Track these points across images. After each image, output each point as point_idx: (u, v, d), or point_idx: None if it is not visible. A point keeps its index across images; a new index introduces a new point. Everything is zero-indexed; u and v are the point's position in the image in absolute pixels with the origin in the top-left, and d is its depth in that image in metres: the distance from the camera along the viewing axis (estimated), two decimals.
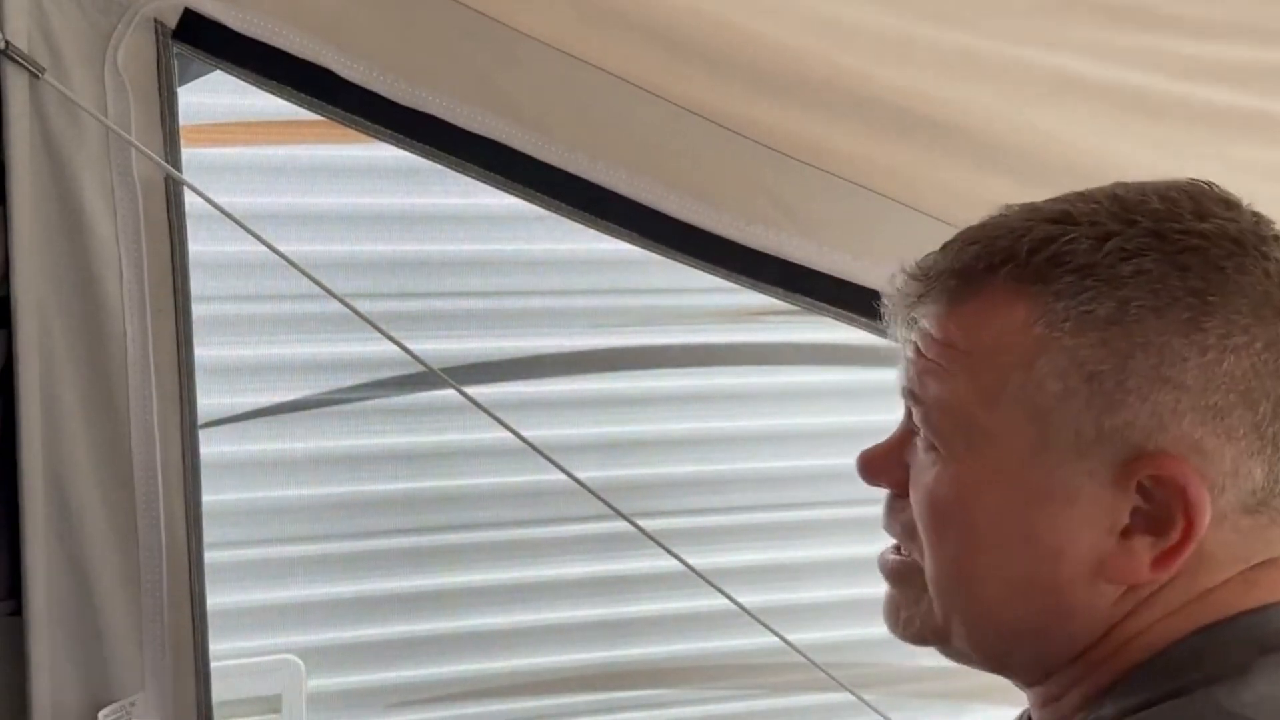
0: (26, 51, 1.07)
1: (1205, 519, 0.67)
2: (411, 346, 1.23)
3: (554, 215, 1.27)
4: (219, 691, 1.25)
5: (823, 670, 1.37)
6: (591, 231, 1.29)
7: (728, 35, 1.19)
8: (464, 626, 1.57)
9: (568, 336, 1.55)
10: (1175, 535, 0.68)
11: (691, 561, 1.32)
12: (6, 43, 1.05)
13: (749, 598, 1.35)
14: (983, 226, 0.75)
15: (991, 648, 0.75)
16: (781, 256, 1.30)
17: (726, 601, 1.33)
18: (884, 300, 0.79)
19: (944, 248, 0.76)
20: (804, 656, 1.36)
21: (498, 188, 1.25)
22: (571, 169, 1.23)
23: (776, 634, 1.36)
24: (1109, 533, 0.69)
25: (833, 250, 1.30)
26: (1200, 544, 0.68)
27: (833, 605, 1.67)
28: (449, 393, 1.29)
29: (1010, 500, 0.72)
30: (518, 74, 1.20)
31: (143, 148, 1.13)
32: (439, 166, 1.24)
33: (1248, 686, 0.65)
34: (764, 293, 1.33)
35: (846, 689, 1.40)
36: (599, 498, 1.28)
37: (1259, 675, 0.66)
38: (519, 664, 1.59)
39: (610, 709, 1.63)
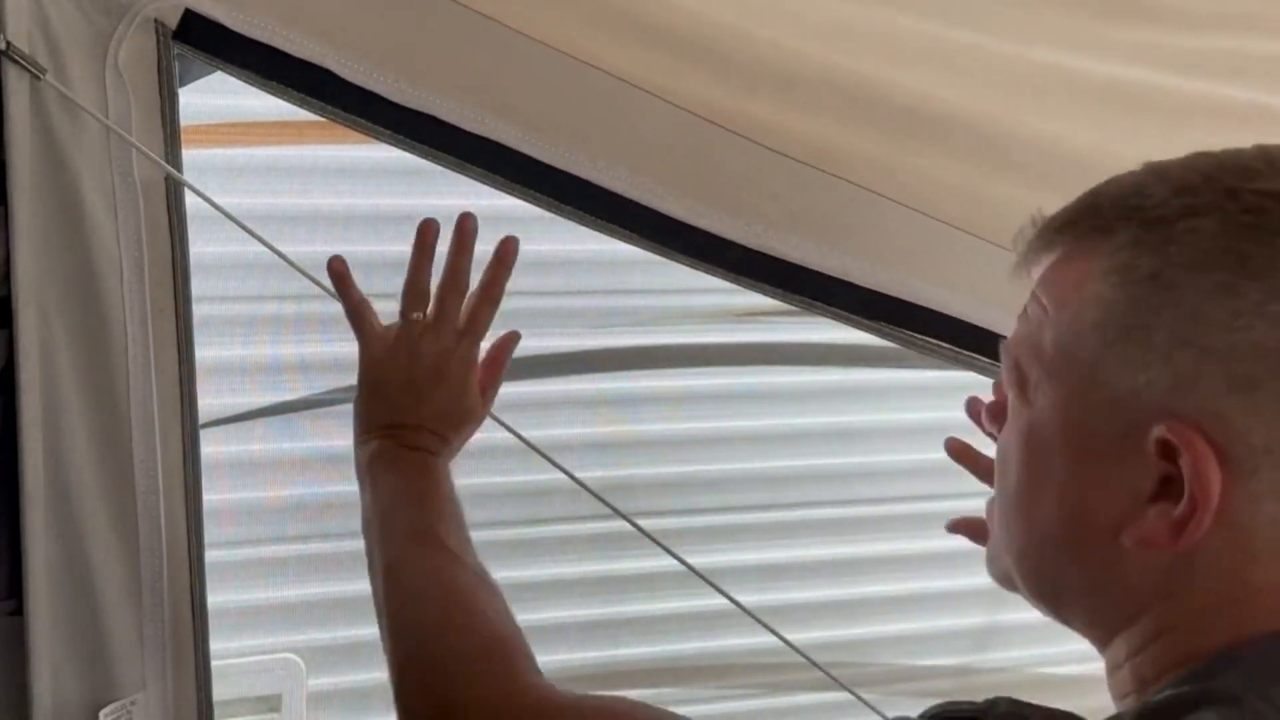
0: (27, 52, 1.07)
1: (1213, 489, 0.65)
2: None
3: (554, 215, 1.27)
4: (219, 691, 1.25)
5: (823, 670, 1.37)
6: (591, 231, 1.29)
7: (727, 35, 1.19)
8: None
9: (568, 336, 1.55)
10: (1186, 505, 0.65)
11: (691, 561, 1.32)
12: (7, 43, 1.05)
13: (749, 598, 1.35)
14: (1106, 182, 0.74)
15: (1041, 595, 0.76)
16: (781, 256, 1.30)
17: (726, 601, 1.33)
18: (1013, 248, 0.79)
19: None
20: (804, 656, 1.36)
21: (498, 188, 1.25)
22: (571, 169, 1.23)
23: (776, 634, 1.36)
24: (1133, 497, 0.68)
25: (833, 250, 1.30)
26: (1235, 529, 0.66)
27: (833, 605, 1.68)
28: None
29: (1048, 450, 0.72)
30: (518, 74, 1.20)
31: (143, 148, 1.13)
32: (439, 166, 1.24)
33: None
34: (764, 293, 1.33)
35: (846, 689, 1.41)
36: (599, 498, 1.28)
37: None
38: None
39: None
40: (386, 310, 1.41)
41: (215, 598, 1.26)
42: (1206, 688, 0.65)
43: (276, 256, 1.18)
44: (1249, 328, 0.65)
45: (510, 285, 1.53)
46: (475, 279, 1.17)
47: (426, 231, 1.14)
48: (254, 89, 1.18)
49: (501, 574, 1.58)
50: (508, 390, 1.53)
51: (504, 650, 0.98)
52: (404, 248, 1.48)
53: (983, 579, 0.83)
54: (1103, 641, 0.74)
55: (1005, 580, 0.79)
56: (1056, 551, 0.73)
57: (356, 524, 1.51)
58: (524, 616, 1.60)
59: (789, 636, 1.37)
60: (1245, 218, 0.66)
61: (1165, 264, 0.67)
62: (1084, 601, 0.74)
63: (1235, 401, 0.65)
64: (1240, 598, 0.68)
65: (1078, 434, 0.71)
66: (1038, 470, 0.73)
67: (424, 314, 1.14)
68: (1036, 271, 0.76)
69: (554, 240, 1.50)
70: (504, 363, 1.20)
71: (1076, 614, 0.75)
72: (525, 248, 1.52)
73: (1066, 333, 0.71)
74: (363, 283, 1.45)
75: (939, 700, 0.75)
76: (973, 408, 0.99)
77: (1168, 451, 0.66)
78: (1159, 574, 0.69)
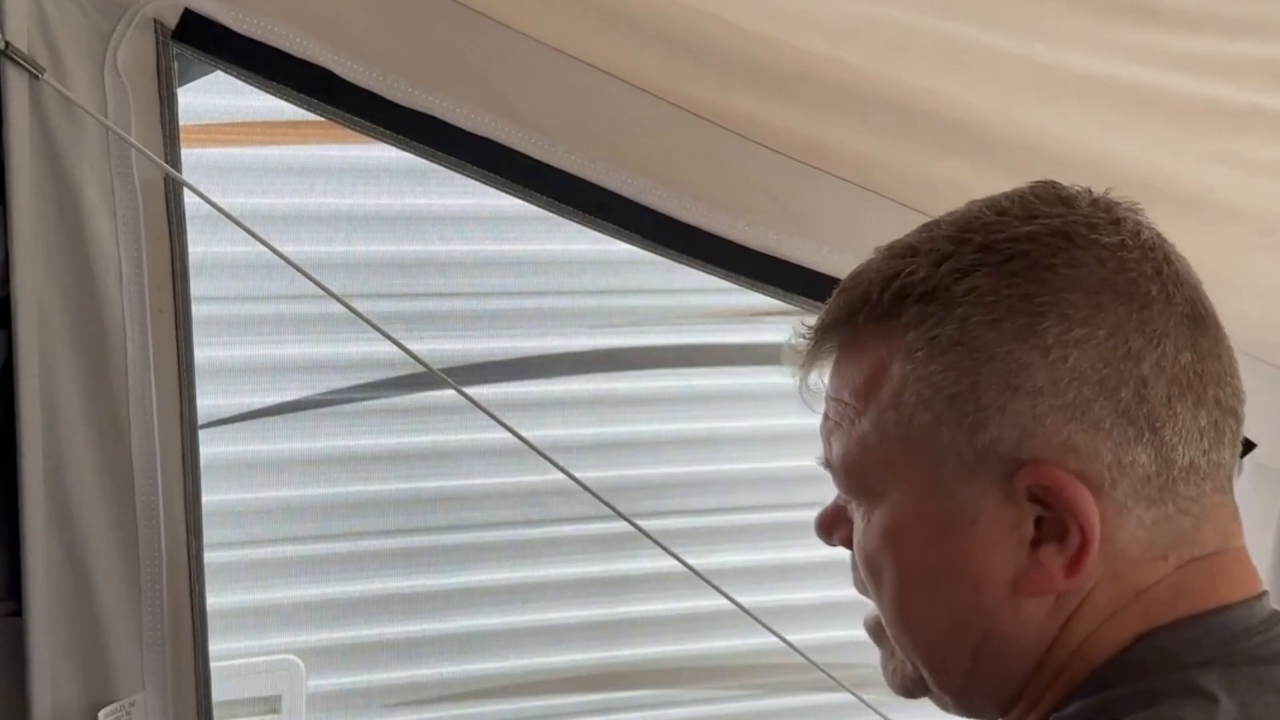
0: (26, 52, 1.07)
1: (1093, 518, 0.66)
2: (411, 346, 1.23)
3: (554, 215, 1.27)
4: (219, 691, 1.25)
5: (823, 670, 1.37)
6: (591, 231, 1.29)
7: (727, 35, 1.19)
8: (464, 626, 1.57)
9: (568, 336, 1.55)
10: (1075, 539, 0.67)
11: (691, 561, 1.32)
12: (6, 43, 1.05)
13: (749, 598, 1.35)
14: (850, 276, 0.76)
15: (953, 687, 0.75)
16: (781, 256, 1.30)
17: (726, 601, 1.33)
18: (784, 365, 0.80)
19: (825, 304, 0.77)
20: (804, 656, 1.36)
21: (498, 188, 1.25)
22: (571, 169, 1.23)
23: (776, 634, 1.36)
24: (1018, 548, 0.69)
25: (833, 250, 1.30)
26: (1111, 543, 0.68)
27: (833, 605, 1.67)
28: (449, 393, 1.29)
29: (920, 539, 0.72)
30: (518, 74, 1.20)
31: (143, 148, 1.13)
32: (439, 166, 1.24)
33: (1207, 710, 0.64)
34: (764, 293, 1.33)
35: (846, 689, 1.40)
36: (599, 498, 1.28)
37: (1218, 693, 0.65)
38: (519, 664, 1.59)
39: (610, 709, 1.64)
40: (388, 310, 1.41)
41: (215, 598, 1.26)
42: (1113, 697, 0.67)
43: (276, 256, 1.18)
44: (1063, 359, 0.67)
45: (510, 285, 1.53)
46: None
47: None
48: (254, 89, 1.18)
49: (501, 574, 1.59)
50: (508, 390, 1.53)
51: None
52: (404, 248, 1.49)
53: None
54: (1007, 708, 0.74)
55: (913, 687, 0.77)
56: (966, 630, 0.72)
57: (356, 524, 1.52)
58: (524, 617, 1.61)
59: (789, 637, 1.37)
60: (1010, 265, 0.68)
61: (962, 326, 0.68)
62: (989, 677, 0.73)
63: (1076, 426, 0.67)
64: (1128, 603, 0.69)
65: (941, 512, 0.71)
66: (917, 563, 0.73)
67: None
68: (818, 378, 0.78)
69: (554, 240, 1.50)
70: None
71: (985, 691, 0.74)
72: (525, 248, 1.53)
73: (889, 420, 0.71)
74: (363, 283, 1.46)
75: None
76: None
77: (1035, 495, 0.68)
78: (1050, 614, 0.70)
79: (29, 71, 1.07)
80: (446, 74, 1.19)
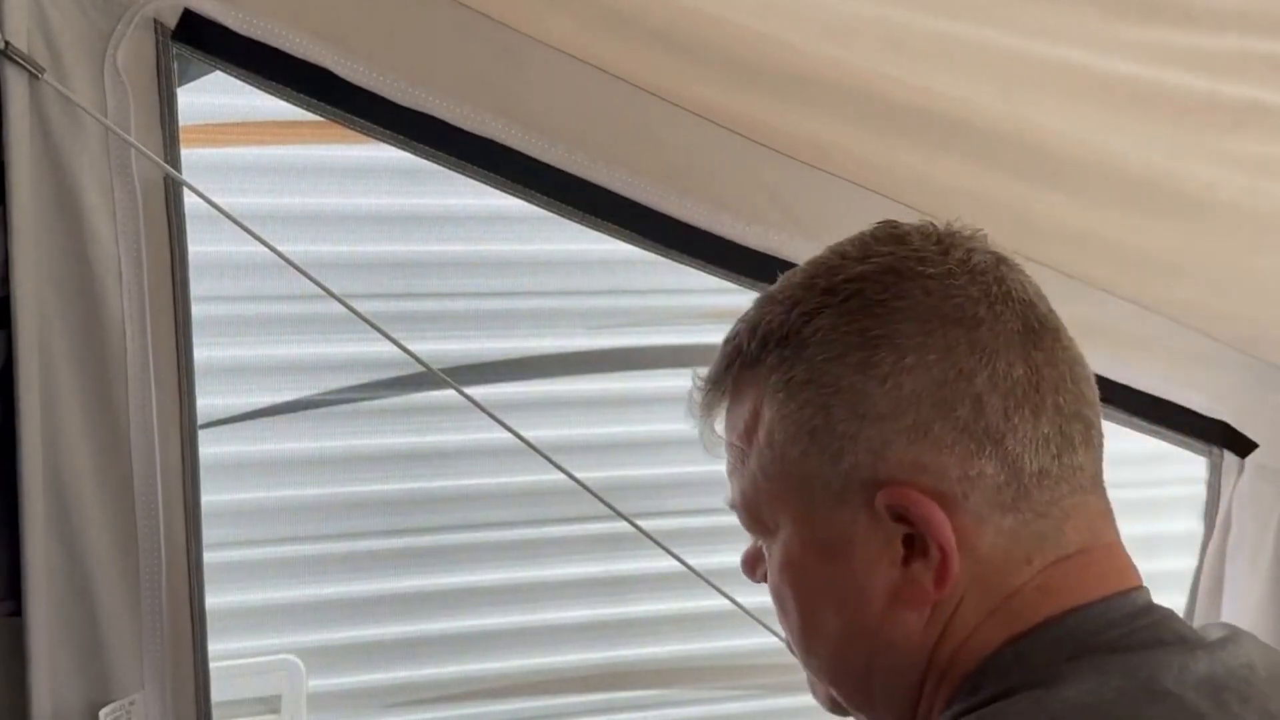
0: (26, 52, 1.07)
1: (947, 530, 0.70)
2: (411, 346, 1.23)
3: (554, 215, 1.27)
4: (219, 691, 1.25)
5: None
6: (591, 231, 1.29)
7: (727, 35, 1.19)
8: (464, 626, 1.57)
9: (568, 336, 1.55)
10: (936, 552, 0.71)
11: (691, 561, 1.32)
12: (6, 43, 1.05)
13: (749, 598, 1.35)
14: (732, 326, 0.80)
15: (859, 702, 0.79)
16: (781, 256, 1.30)
17: (726, 601, 1.33)
18: (689, 415, 0.85)
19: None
20: None
21: (498, 188, 1.25)
22: (571, 169, 1.23)
23: (776, 634, 1.35)
24: (891, 566, 0.73)
25: None
26: (973, 552, 0.71)
27: None
28: (449, 393, 1.29)
29: (810, 565, 0.76)
30: (518, 74, 1.20)
31: (142, 148, 1.13)
32: (439, 166, 1.24)
33: (1054, 694, 0.68)
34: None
35: None
36: (599, 498, 1.28)
37: (1067, 682, 0.68)
38: (519, 664, 1.59)
39: (610, 709, 1.64)
40: (388, 310, 1.41)
41: (215, 598, 1.26)
42: (977, 701, 0.70)
43: (276, 256, 1.18)
44: (898, 385, 0.71)
45: (510, 285, 1.53)
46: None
47: None
48: (253, 89, 1.18)
49: (502, 574, 1.59)
50: (508, 390, 1.53)
51: None
52: (404, 248, 1.49)
53: None
54: (909, 716, 0.77)
55: (835, 706, 0.82)
56: (857, 646, 0.76)
57: (356, 524, 1.52)
58: (525, 617, 1.61)
59: None
60: (848, 304, 0.74)
61: (811, 365, 0.74)
62: (883, 689, 0.77)
63: (921, 446, 0.71)
64: (997, 607, 0.73)
65: (819, 539, 0.75)
66: (808, 591, 0.77)
67: None
68: (719, 425, 0.82)
69: (554, 240, 1.50)
70: None
71: (884, 703, 0.78)
72: (525, 248, 1.53)
73: (766, 459, 0.76)
74: (363, 283, 1.46)
75: None
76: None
77: (897, 515, 0.72)
78: (927, 625, 0.74)
79: (29, 71, 1.07)
80: (446, 74, 1.19)
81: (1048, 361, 0.73)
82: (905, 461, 0.71)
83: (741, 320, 0.79)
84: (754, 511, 0.79)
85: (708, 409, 0.82)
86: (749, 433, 0.77)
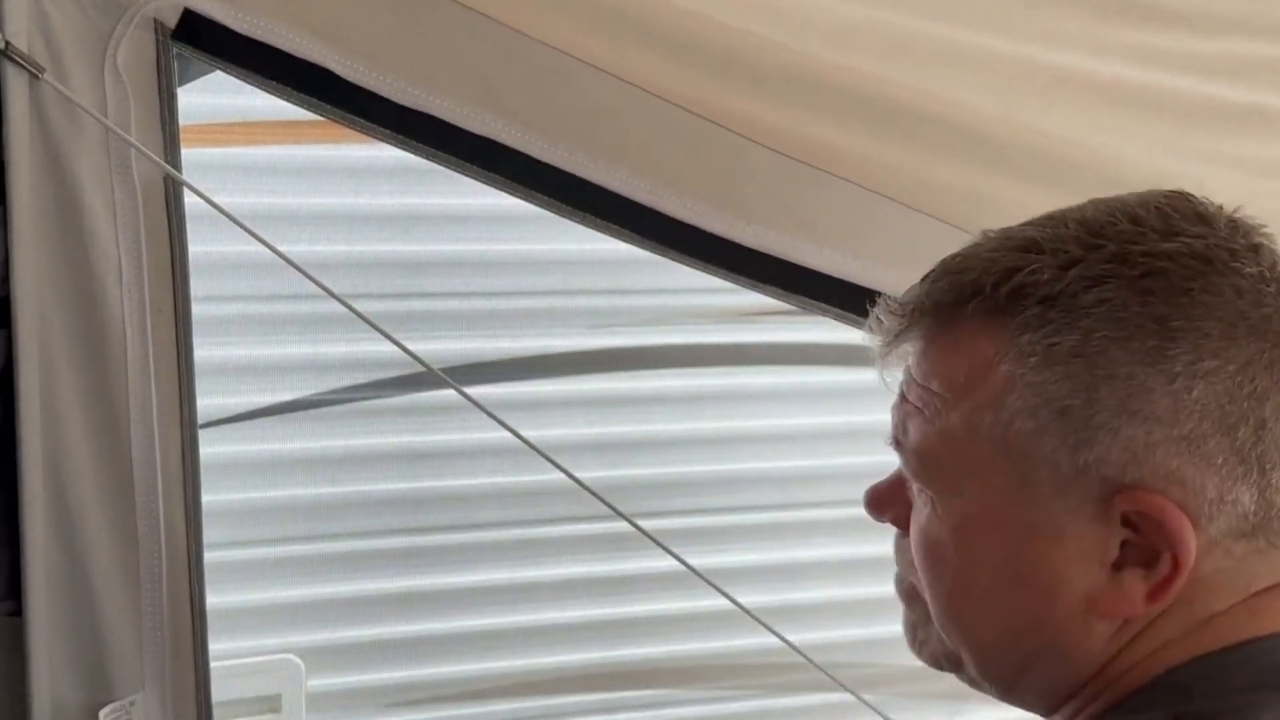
0: (26, 52, 1.07)
1: (1190, 551, 0.65)
2: (411, 346, 1.23)
3: (554, 215, 1.27)
4: (219, 691, 1.25)
5: (823, 670, 1.37)
6: (591, 231, 1.29)
7: (727, 36, 1.19)
8: (464, 626, 1.57)
9: (568, 336, 1.55)
10: (1164, 569, 0.66)
11: (691, 561, 1.32)
12: (6, 43, 1.05)
13: (749, 598, 1.35)
14: (956, 257, 0.73)
15: (998, 680, 0.74)
16: (781, 256, 1.30)
17: (726, 601, 1.33)
18: (867, 338, 0.78)
19: (923, 280, 0.74)
20: (804, 656, 1.36)
21: (498, 188, 1.25)
22: (571, 169, 1.23)
23: (776, 634, 1.36)
24: (1099, 568, 0.68)
25: (833, 250, 1.30)
26: (1194, 574, 0.66)
27: (833, 605, 1.67)
28: (449, 393, 1.29)
29: (997, 541, 0.70)
30: (518, 74, 1.20)
31: (142, 148, 1.13)
32: (439, 166, 1.24)
33: None
34: (764, 293, 1.33)
35: (846, 689, 1.40)
36: (599, 498, 1.28)
37: (1263, 710, 0.65)
38: (519, 664, 1.59)
39: (610, 709, 1.63)
40: (388, 310, 1.41)
41: (215, 598, 1.26)
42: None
43: (276, 256, 1.18)
44: (1187, 389, 0.65)
45: (510, 285, 1.53)
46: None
47: None
48: (254, 88, 1.18)
49: (502, 574, 1.59)
50: (508, 390, 1.53)
51: None
52: (404, 248, 1.49)
53: None
54: (1051, 709, 0.74)
55: (946, 663, 0.77)
56: (1024, 638, 0.71)
57: (356, 524, 1.52)
58: (525, 617, 1.61)
59: (789, 637, 1.37)
60: (1145, 281, 0.66)
61: (1086, 339, 0.66)
62: (1039, 681, 0.73)
63: (1187, 459, 0.65)
64: (1196, 628, 0.68)
65: (1024, 519, 0.69)
66: (987, 564, 0.71)
67: None
68: (900, 355, 0.75)
69: (554, 240, 1.50)
70: None
71: (1031, 691, 0.74)
72: (525, 248, 1.53)
73: (986, 419, 0.69)
74: (363, 283, 1.45)
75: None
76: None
77: (1129, 520, 0.67)
78: (1115, 634, 0.69)
79: (29, 71, 1.07)
80: (446, 74, 1.19)
81: None
82: (1163, 470, 0.65)
83: (976, 255, 0.71)
84: (933, 463, 0.72)
85: (901, 338, 0.74)
86: (966, 385, 0.70)
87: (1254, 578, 0.68)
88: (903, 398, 0.75)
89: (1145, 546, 0.67)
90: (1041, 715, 0.76)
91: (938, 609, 0.74)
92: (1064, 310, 0.66)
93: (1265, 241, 0.69)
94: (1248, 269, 0.67)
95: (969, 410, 0.70)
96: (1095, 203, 0.71)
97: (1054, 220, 0.71)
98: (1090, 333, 0.66)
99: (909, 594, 0.79)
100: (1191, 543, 0.65)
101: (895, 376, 0.76)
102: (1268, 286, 0.67)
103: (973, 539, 0.71)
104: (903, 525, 0.78)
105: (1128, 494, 0.66)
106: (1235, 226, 0.69)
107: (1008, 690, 0.74)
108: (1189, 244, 0.67)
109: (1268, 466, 0.66)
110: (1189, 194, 0.71)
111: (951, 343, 0.71)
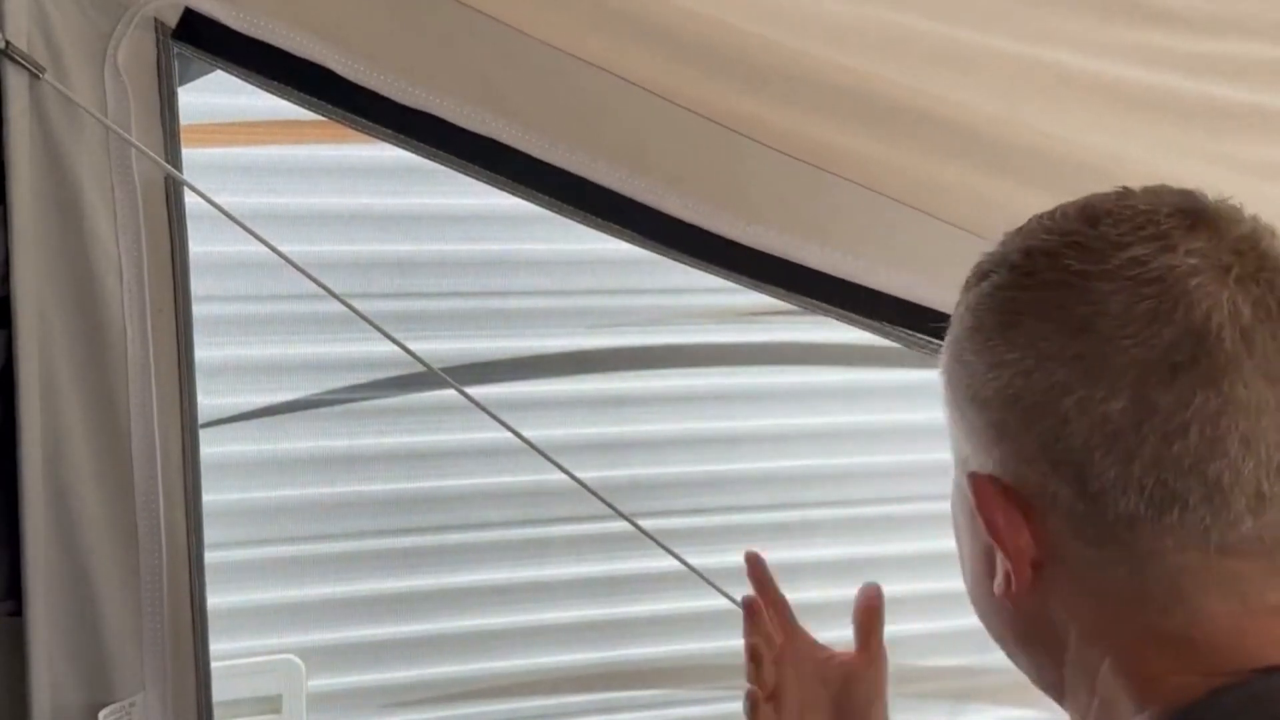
0: (26, 51, 1.06)
1: (1017, 538, 0.68)
2: (411, 346, 1.23)
3: (554, 215, 1.27)
4: (219, 691, 1.25)
5: None
6: (591, 231, 1.29)
7: (727, 35, 1.19)
8: (464, 626, 1.57)
9: (568, 336, 1.55)
10: (1003, 554, 0.69)
11: (691, 561, 1.32)
12: (6, 43, 1.05)
13: None
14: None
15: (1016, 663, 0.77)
16: (781, 256, 1.30)
17: (726, 601, 1.33)
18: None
19: None
20: None
21: (498, 188, 1.25)
22: (571, 169, 1.23)
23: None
24: (986, 550, 0.71)
25: (833, 250, 1.30)
26: (1062, 564, 0.67)
27: (833, 605, 1.67)
28: (449, 393, 1.29)
29: (956, 512, 0.76)
30: (518, 74, 1.20)
31: (143, 148, 1.13)
32: (439, 166, 1.24)
33: None
34: (764, 293, 1.33)
35: None
36: (599, 498, 1.28)
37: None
38: (519, 664, 1.59)
39: (610, 709, 1.63)
40: (388, 310, 1.41)
41: (215, 598, 1.26)
42: None
43: (277, 256, 1.18)
44: (1000, 378, 0.68)
45: (510, 285, 1.53)
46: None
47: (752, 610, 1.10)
48: (254, 88, 1.18)
49: (502, 574, 1.59)
50: (508, 390, 1.53)
51: None
52: (404, 248, 1.49)
53: None
54: (1059, 697, 0.75)
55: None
56: (979, 609, 0.76)
57: (356, 524, 1.52)
58: (525, 617, 1.61)
59: None
60: (1023, 280, 0.70)
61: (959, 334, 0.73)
62: (1019, 652, 0.75)
63: (1006, 449, 0.68)
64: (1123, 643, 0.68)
65: (957, 495, 0.75)
66: (958, 537, 0.77)
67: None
68: None
69: (554, 240, 1.50)
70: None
71: (1021, 664, 0.76)
72: (525, 248, 1.53)
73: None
74: (363, 283, 1.46)
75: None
76: None
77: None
78: (1035, 620, 0.71)
79: (29, 71, 1.07)
80: (446, 73, 1.19)
81: None
82: (991, 457, 0.71)
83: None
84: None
85: None
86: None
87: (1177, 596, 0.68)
88: None
89: None
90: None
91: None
92: (961, 305, 0.75)
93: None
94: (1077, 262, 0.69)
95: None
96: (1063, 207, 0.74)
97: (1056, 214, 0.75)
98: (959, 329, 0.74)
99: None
100: (1017, 527, 0.69)
101: None
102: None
103: (954, 514, 0.78)
104: None
105: (971, 479, 0.72)
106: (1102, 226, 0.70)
107: (1021, 668, 0.78)
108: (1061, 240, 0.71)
109: None
110: (1192, 191, 0.71)
111: None
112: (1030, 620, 0.71)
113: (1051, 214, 0.71)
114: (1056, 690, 0.74)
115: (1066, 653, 0.70)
